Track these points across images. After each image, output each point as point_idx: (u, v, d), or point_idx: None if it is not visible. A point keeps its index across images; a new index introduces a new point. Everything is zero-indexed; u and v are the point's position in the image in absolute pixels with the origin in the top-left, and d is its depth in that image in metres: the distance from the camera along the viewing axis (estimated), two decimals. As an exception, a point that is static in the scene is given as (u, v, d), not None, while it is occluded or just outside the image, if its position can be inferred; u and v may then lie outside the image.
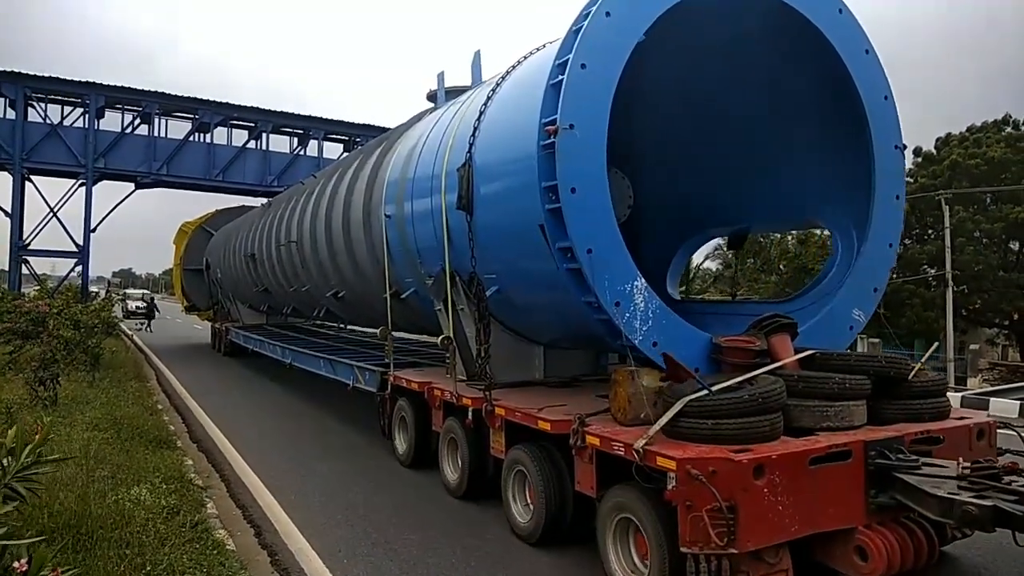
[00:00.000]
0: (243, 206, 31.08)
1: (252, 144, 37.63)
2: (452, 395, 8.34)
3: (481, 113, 7.98)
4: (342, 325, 19.69)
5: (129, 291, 63.65)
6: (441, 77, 10.27)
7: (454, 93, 10.26)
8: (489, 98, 8.04)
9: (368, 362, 11.52)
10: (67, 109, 34.54)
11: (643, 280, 6.46)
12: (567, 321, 7.50)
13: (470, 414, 7.99)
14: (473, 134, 7.91)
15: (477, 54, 9.41)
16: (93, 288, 39.92)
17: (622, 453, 5.75)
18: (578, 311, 6.74)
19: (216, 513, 7.44)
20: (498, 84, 8.12)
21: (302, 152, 38.77)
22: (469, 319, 8.63)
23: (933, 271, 32.62)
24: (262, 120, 37.47)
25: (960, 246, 30.91)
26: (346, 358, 12.44)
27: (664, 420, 5.74)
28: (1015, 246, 32.32)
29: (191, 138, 36.11)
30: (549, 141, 6.33)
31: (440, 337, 8.66)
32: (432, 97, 10.86)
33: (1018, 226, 30.08)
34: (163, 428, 11.20)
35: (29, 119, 33.46)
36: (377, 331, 16.48)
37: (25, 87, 32.75)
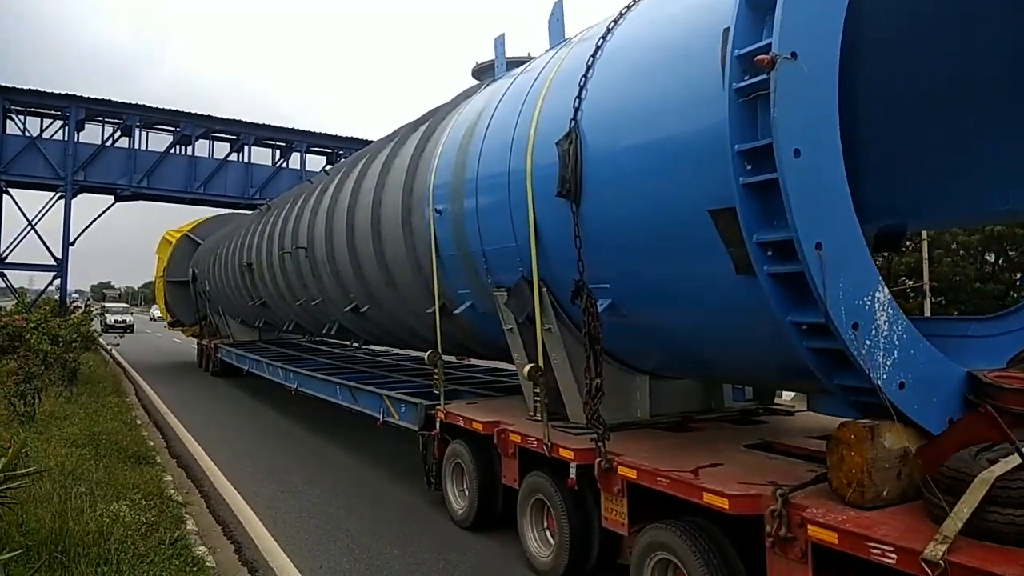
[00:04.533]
0: (232, 212, 27.98)
1: (234, 157, 34.45)
2: (541, 443, 5.81)
3: (589, 68, 5.49)
4: (352, 343, 16.56)
5: (109, 305, 59.25)
6: (501, 41, 7.65)
7: (513, 64, 7.75)
8: (599, 48, 5.54)
9: (400, 390, 8.82)
10: (46, 122, 31.25)
11: (886, 290, 3.99)
12: (732, 349, 5.01)
13: (573, 471, 5.48)
14: (579, 95, 5.41)
15: (559, 4, 6.81)
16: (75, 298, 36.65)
17: (893, 562, 3.44)
18: (767, 336, 4.28)
19: (196, 529, 6.85)
20: (609, 30, 5.62)
21: (284, 165, 35.75)
22: (558, 343, 6.11)
23: (911, 282, 31.09)
24: (244, 132, 34.37)
25: (938, 257, 29.76)
26: (370, 384, 9.67)
27: (968, 511, 3.41)
28: (991, 257, 30.96)
29: (172, 151, 32.89)
30: (753, 80, 3.85)
31: (527, 367, 6.05)
32: (479, 72, 8.34)
33: (994, 238, 28.68)
34: (142, 444, 10.25)
35: (8, 131, 30.21)
36: (403, 351, 13.45)
37: (4, 99, 29.61)
